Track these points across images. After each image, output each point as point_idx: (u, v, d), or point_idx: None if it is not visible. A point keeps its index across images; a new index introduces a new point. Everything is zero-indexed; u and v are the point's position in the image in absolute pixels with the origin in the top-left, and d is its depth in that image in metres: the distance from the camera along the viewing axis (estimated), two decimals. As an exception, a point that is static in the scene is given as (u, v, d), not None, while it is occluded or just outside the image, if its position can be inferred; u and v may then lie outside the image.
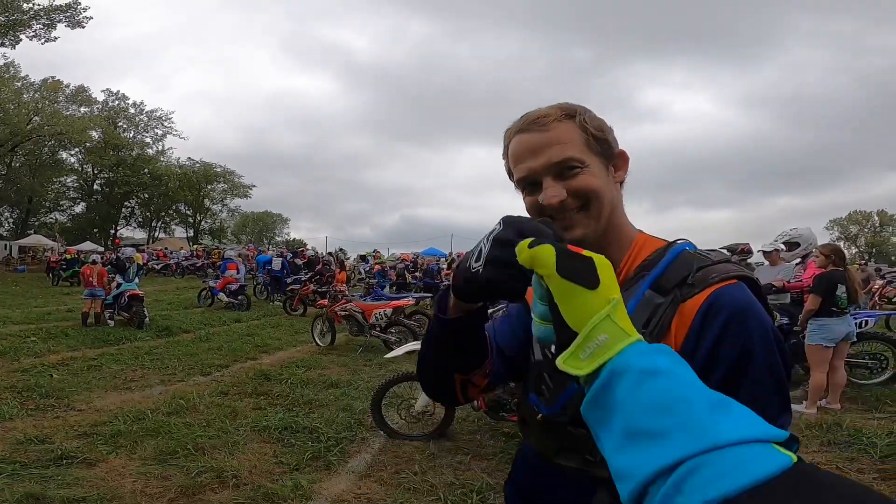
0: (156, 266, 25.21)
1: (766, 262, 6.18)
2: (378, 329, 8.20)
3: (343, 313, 8.38)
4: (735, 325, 0.70)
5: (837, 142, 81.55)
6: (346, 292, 9.30)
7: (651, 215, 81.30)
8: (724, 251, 0.93)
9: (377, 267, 16.75)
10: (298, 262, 16.40)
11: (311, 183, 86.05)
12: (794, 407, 4.68)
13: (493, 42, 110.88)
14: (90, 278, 9.55)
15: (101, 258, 11.94)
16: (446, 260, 26.62)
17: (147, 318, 9.56)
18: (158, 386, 5.53)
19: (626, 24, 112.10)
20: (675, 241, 0.83)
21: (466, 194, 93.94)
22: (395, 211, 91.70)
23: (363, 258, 24.18)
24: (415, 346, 4.77)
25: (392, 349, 7.85)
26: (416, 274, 17.37)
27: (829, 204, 77.39)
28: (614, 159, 0.84)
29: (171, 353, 7.27)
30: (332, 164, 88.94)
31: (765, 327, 0.72)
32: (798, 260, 5.84)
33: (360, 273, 19.75)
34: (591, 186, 0.78)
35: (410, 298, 9.51)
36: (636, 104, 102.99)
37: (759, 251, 6.28)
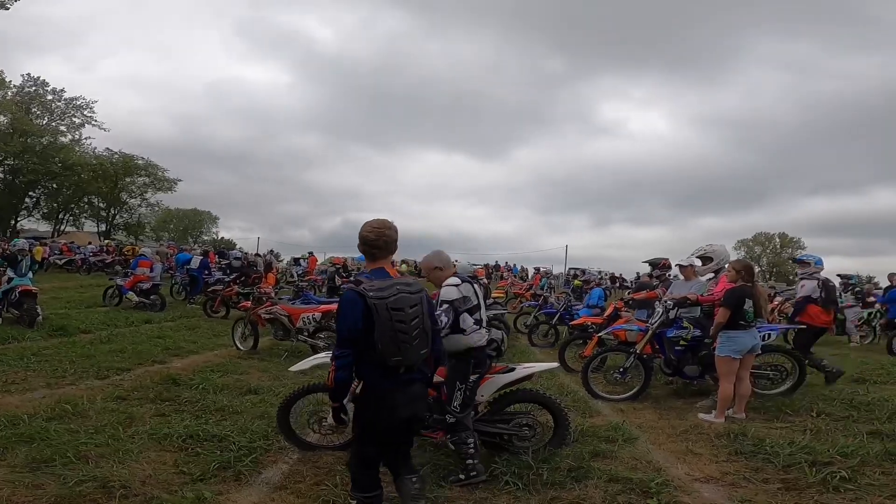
0: (58, 261, 22.90)
1: (681, 277, 6.45)
2: (306, 333, 7.85)
3: (267, 316, 7.98)
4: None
5: (770, 165, 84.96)
6: (272, 294, 8.85)
7: (588, 230, 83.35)
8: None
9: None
10: (235, 263, 15.12)
11: (249, 180, 79.98)
12: (703, 416, 4.77)
13: (465, 44, 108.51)
14: (-39, 272, 8.48)
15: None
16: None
17: (40, 317, 8.67)
18: (43, 389, 4.94)
19: (598, 35, 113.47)
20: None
21: (415, 201, 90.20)
22: (338, 214, 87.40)
23: (297, 261, 23.29)
24: (324, 359, 4.27)
25: (318, 353, 7.54)
26: (350, 279, 16.88)
27: (747, 226, 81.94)
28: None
29: (63, 354, 6.58)
30: (274, 162, 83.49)
31: (342, 300, 2.52)
32: (711, 275, 6.17)
33: (292, 276, 19.00)
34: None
35: (341, 303, 9.21)
36: (596, 119, 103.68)
37: (676, 265, 6.62)
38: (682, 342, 5.65)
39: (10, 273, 9.03)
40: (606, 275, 27.13)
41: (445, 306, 3.43)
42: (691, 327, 5.66)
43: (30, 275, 9.25)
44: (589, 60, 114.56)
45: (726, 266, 5.74)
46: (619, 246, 74.62)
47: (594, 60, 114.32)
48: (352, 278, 17.33)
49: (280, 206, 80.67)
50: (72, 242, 29.33)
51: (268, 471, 3.45)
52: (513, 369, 3.88)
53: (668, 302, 5.73)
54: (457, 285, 3.53)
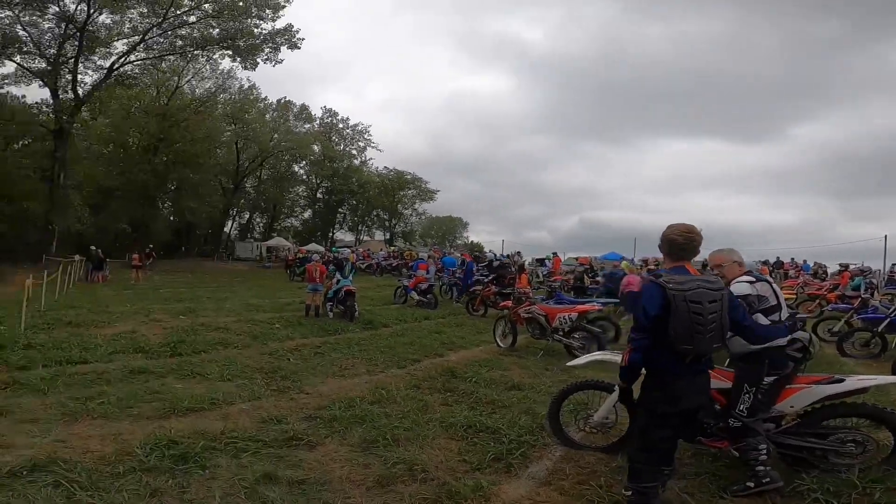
0: (361, 266, 28.92)
1: None
2: (561, 333, 8.04)
3: (526, 315, 8.39)
4: None
5: None
6: (531, 295, 9.28)
7: None
8: None
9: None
10: (495, 264, 16.29)
11: (489, 186, 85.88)
12: None
13: (693, 20, 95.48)
14: (314, 274, 11.42)
15: (322, 257, 14.13)
16: (629, 264, 24.79)
17: (357, 313, 10.90)
18: (365, 375, 6.28)
19: None
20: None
21: (657, 195, 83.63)
22: (574, 214, 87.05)
23: (541, 262, 24.04)
24: (600, 356, 4.55)
25: (575, 355, 7.64)
26: (598, 279, 16.47)
27: None
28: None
29: (374, 345, 8.20)
30: (510, 167, 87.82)
31: (643, 290, 2.73)
32: None
33: (538, 276, 19.75)
34: None
35: (596, 304, 9.11)
36: None
37: None
38: None
39: (338, 276, 11.62)
40: (959, 272, 19.77)
41: (738, 301, 3.20)
42: None
43: (350, 277, 11.80)
44: (882, 18, 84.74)
45: None
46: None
47: (891, 16, 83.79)
48: (598, 278, 17.08)
49: (519, 209, 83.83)
50: (369, 249, 36.81)
51: (534, 466, 3.63)
52: (841, 380, 3.38)
53: None
54: (751, 282, 3.36)
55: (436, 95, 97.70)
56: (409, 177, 51.20)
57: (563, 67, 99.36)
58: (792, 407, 3.41)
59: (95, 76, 28.95)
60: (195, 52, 30.67)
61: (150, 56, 30.15)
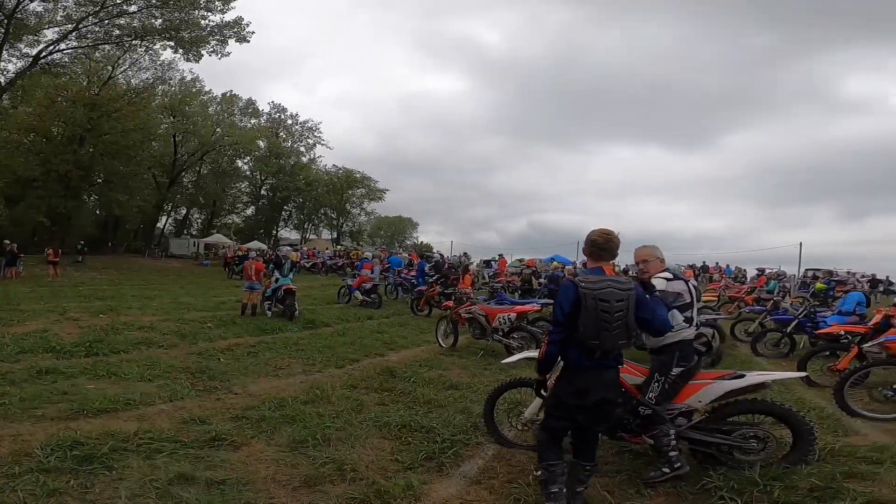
0: (306, 264, 28.20)
1: None
2: (500, 333, 8.16)
3: (467, 315, 8.47)
4: None
5: None
6: (472, 295, 9.36)
7: (831, 224, 68.79)
8: None
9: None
10: (440, 264, 16.47)
11: (440, 187, 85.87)
12: None
13: (647, 30, 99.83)
14: (250, 272, 11.02)
15: (261, 255, 13.66)
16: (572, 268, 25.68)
17: (297, 312, 10.62)
18: (301, 375, 6.11)
19: (828, 5, 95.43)
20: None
21: (603, 200, 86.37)
22: (523, 216, 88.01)
23: (487, 263, 24.41)
24: (532, 353, 4.64)
25: (513, 354, 7.79)
26: (541, 280, 16.98)
27: None
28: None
29: (313, 344, 8.00)
30: (462, 168, 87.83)
31: (561, 288, 2.95)
32: None
33: (484, 277, 20.02)
34: None
35: (535, 304, 9.32)
36: (841, 96, 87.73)
37: None
38: None
39: (276, 274, 11.29)
40: (864, 277, 21.98)
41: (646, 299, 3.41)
42: None
43: (291, 276, 11.42)
44: (817, 32, 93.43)
45: None
46: (884, 242, 59.24)
47: (826, 31, 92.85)
48: (541, 279, 17.76)
49: (470, 210, 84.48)
50: (315, 248, 35.94)
51: (465, 464, 3.65)
52: (742, 376, 3.58)
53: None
54: (667, 279, 3.55)
55: (389, 94, 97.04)
56: (358, 175, 50.45)
57: (520, 70, 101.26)
58: (700, 402, 3.59)
59: (20, 64, 26.58)
60: (133, 41, 28.70)
61: (83, 45, 27.87)
